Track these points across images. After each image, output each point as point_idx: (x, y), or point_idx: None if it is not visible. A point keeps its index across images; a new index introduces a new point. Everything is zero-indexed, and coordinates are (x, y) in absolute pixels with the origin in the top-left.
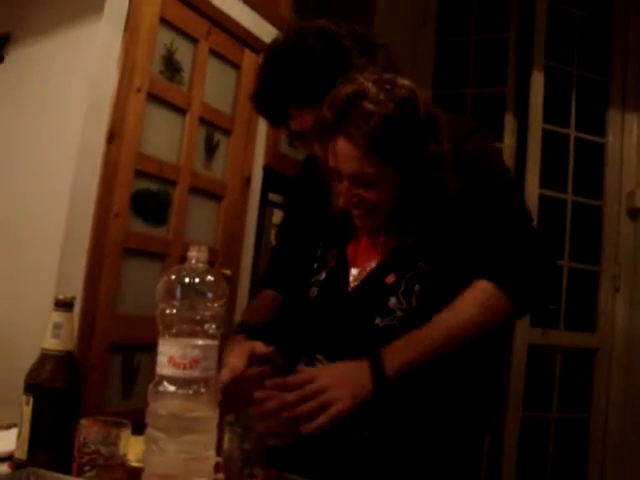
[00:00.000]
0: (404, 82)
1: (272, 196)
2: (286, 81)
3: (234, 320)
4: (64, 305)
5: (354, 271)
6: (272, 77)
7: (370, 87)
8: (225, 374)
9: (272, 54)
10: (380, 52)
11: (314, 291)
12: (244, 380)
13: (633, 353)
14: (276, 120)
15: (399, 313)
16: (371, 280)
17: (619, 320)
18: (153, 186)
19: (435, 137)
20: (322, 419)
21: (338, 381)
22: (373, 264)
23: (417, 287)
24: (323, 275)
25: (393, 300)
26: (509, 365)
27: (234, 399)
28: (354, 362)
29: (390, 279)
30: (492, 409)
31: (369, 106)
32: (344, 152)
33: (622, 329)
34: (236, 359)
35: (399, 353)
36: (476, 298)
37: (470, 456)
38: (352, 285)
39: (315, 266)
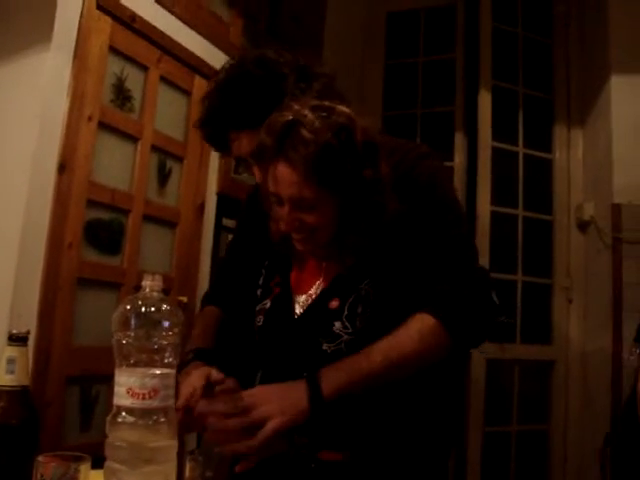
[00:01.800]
0: (342, 109)
1: (226, 221)
2: (223, 105)
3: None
4: (18, 339)
5: (299, 298)
6: (211, 102)
7: (307, 114)
8: (182, 397)
9: (214, 81)
10: (319, 80)
11: (260, 319)
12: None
13: (588, 363)
14: (219, 146)
15: (345, 337)
16: (315, 306)
17: (573, 331)
18: (106, 215)
19: (373, 163)
20: (260, 436)
21: (269, 398)
22: (317, 290)
23: (360, 309)
24: (268, 304)
25: (338, 325)
26: (469, 381)
27: (193, 422)
28: (292, 382)
29: (334, 304)
30: (456, 425)
31: (306, 134)
32: (284, 176)
33: (577, 340)
34: (195, 381)
35: (337, 376)
36: (419, 331)
37: (435, 474)
38: (297, 312)
39: (259, 293)
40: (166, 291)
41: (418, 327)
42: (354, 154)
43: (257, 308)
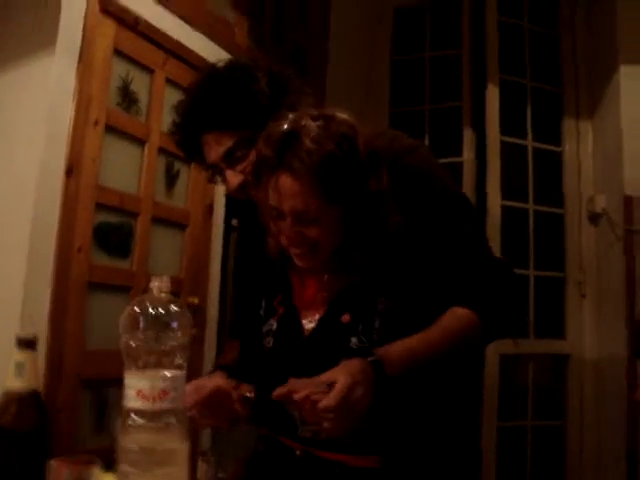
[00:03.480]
0: (342, 117)
1: (236, 222)
2: (193, 107)
3: (204, 351)
4: (26, 344)
5: (305, 314)
6: (182, 106)
7: (307, 124)
8: (207, 386)
9: (186, 88)
10: (293, 89)
11: (269, 341)
12: (228, 397)
13: (603, 357)
14: (191, 152)
15: (363, 352)
16: (326, 322)
17: (587, 325)
18: (115, 218)
19: (376, 173)
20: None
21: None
22: (324, 305)
23: (377, 324)
24: (275, 325)
25: (354, 340)
26: (482, 376)
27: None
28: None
29: (346, 318)
30: (477, 418)
31: (309, 144)
32: (287, 188)
33: (591, 334)
34: (202, 381)
35: (397, 363)
36: (465, 323)
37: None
38: (307, 329)
39: (262, 314)
40: (176, 293)
41: (463, 320)
42: (358, 164)
43: (264, 330)
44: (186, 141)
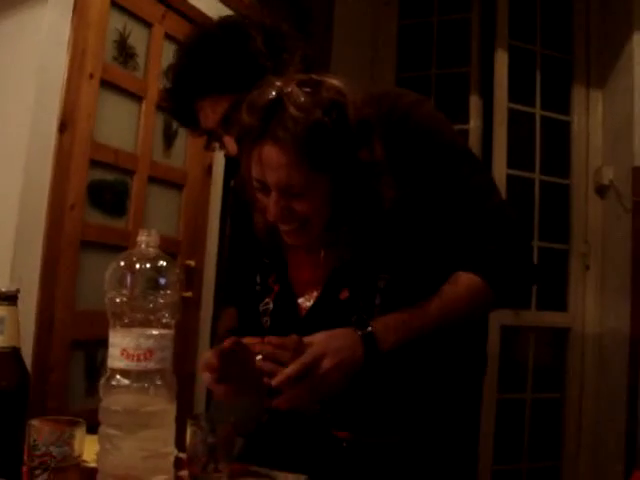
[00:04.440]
0: (332, 83)
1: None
2: (186, 71)
3: (201, 313)
4: (6, 298)
5: (302, 292)
6: (174, 71)
7: (293, 90)
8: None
9: (176, 50)
10: (289, 46)
11: (266, 321)
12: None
13: (605, 331)
14: (185, 119)
15: None
16: (324, 300)
17: (590, 298)
18: (110, 176)
19: (367, 143)
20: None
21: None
22: (321, 282)
23: (378, 301)
24: (271, 304)
25: (355, 319)
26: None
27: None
28: (345, 333)
29: (344, 295)
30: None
31: (294, 112)
32: (271, 159)
33: (593, 307)
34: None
35: (391, 334)
36: (468, 291)
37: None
38: (304, 307)
39: (258, 289)
40: (173, 254)
41: (467, 287)
42: (347, 133)
43: (260, 308)
44: (180, 108)
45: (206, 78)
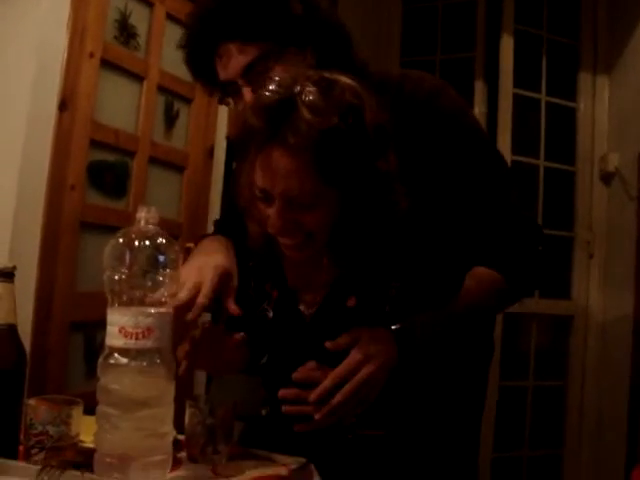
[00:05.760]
0: (347, 83)
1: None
2: (217, 10)
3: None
4: (3, 275)
5: (302, 298)
6: (201, 10)
7: (307, 90)
8: (185, 290)
9: None
10: (324, 7)
11: (267, 329)
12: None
13: (608, 319)
14: (202, 69)
15: None
16: (329, 306)
17: (593, 286)
18: (110, 157)
19: (384, 152)
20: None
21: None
22: (324, 288)
23: (388, 308)
24: (271, 312)
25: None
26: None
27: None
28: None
29: (351, 302)
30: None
31: (308, 115)
32: (280, 166)
33: (596, 295)
34: (206, 274)
35: (425, 333)
36: (492, 286)
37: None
38: (307, 314)
39: (252, 294)
40: (175, 237)
41: (491, 283)
42: (364, 140)
43: (258, 315)
44: (199, 52)
45: (234, 18)
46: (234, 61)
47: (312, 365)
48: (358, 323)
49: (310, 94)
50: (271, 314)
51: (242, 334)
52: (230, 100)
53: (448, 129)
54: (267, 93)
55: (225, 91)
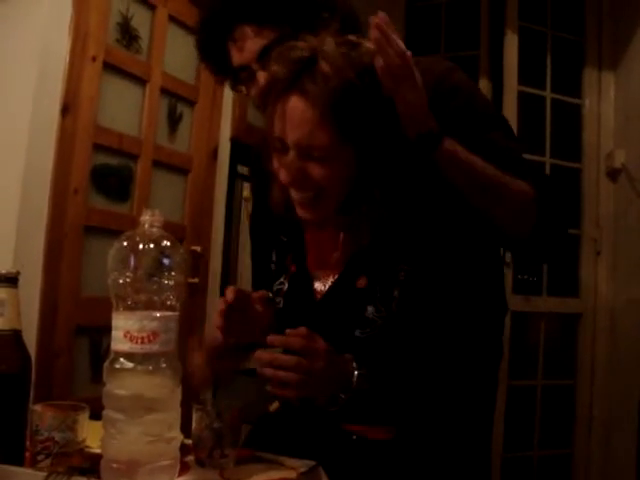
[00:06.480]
0: (369, 47)
1: (241, 168)
2: None
3: (207, 300)
4: (7, 280)
5: (318, 275)
6: None
7: (328, 49)
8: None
9: None
10: None
11: (279, 301)
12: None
13: (616, 316)
14: (214, 54)
15: (379, 322)
16: (340, 286)
17: (601, 284)
18: (113, 160)
19: (397, 116)
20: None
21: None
22: (338, 267)
23: (396, 293)
24: (285, 285)
25: (371, 309)
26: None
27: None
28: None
29: (362, 283)
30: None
31: (327, 68)
32: (296, 112)
33: (604, 293)
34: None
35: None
36: (516, 180)
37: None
38: (320, 291)
39: (273, 268)
40: (179, 240)
41: (520, 182)
42: (379, 100)
43: (274, 288)
44: (215, 34)
45: (252, 0)
46: (250, 43)
47: (303, 331)
48: (365, 304)
49: (331, 51)
50: (286, 287)
51: (265, 291)
52: (243, 87)
53: (461, 106)
54: (293, 46)
55: (238, 78)
